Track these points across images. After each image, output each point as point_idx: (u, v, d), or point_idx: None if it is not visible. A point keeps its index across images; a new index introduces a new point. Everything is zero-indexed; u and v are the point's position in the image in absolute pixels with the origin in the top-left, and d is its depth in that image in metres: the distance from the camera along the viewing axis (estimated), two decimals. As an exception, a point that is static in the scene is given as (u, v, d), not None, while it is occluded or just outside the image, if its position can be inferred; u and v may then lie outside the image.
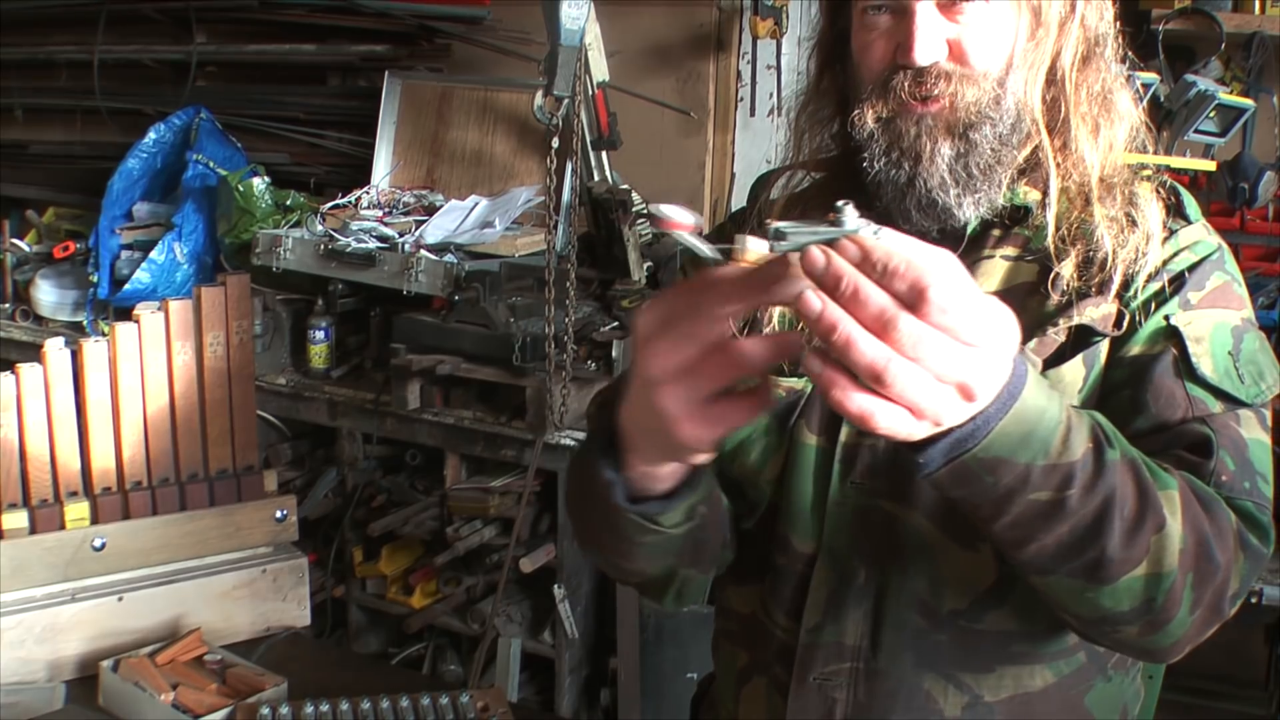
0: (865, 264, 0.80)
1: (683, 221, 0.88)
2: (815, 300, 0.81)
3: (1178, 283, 1.22)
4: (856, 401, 0.82)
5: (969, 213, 1.22)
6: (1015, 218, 1.27)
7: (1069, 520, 0.98)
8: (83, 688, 1.78)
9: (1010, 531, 0.99)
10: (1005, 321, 0.85)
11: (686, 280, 0.90)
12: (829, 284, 0.80)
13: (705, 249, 0.89)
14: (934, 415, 0.84)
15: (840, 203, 0.83)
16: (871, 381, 0.81)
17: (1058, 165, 1.24)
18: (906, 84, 1.19)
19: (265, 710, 1.64)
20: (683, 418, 0.92)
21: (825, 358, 0.82)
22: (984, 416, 0.89)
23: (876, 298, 0.80)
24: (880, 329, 0.80)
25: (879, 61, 1.22)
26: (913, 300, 0.79)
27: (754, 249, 0.84)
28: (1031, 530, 0.99)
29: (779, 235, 0.83)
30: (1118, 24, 1.28)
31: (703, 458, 1.00)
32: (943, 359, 0.81)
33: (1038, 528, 0.99)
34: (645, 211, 3.18)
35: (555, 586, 2.98)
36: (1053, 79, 1.24)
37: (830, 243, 0.81)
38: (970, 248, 1.25)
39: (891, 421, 0.83)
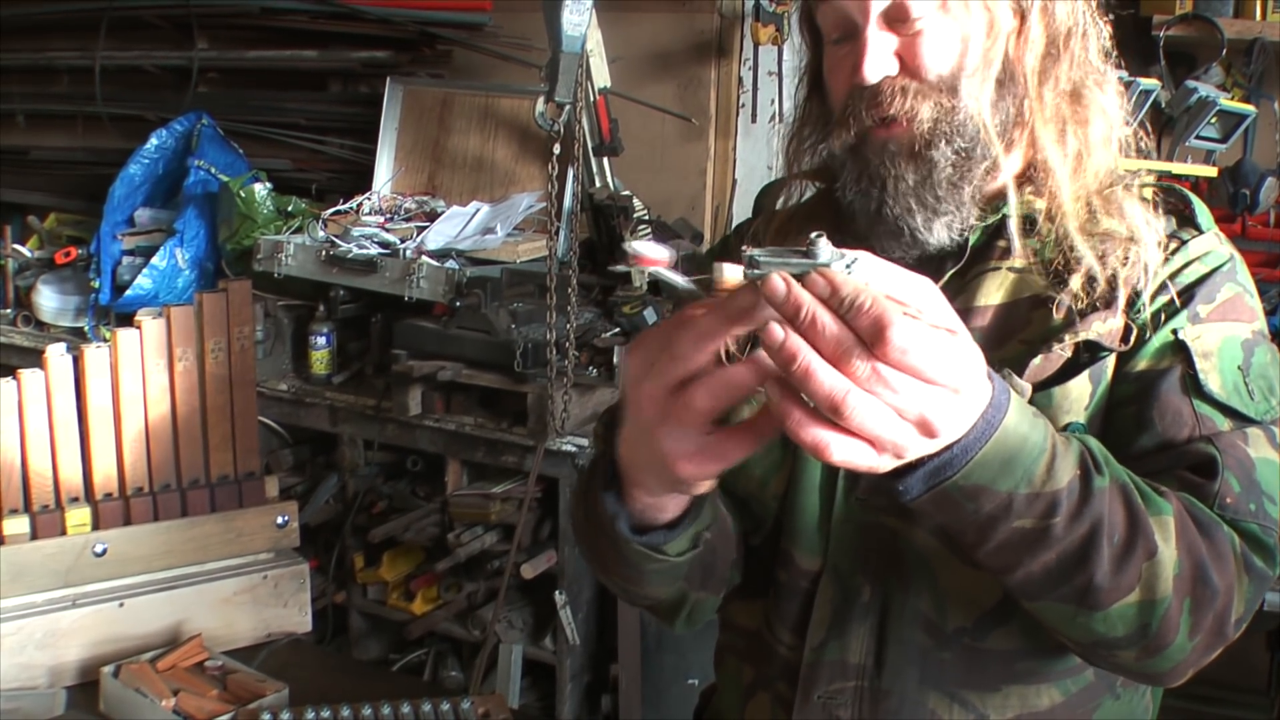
0: (832, 298, 0.80)
1: (656, 257, 0.88)
2: (779, 329, 0.81)
3: (1187, 295, 1.19)
4: (812, 433, 0.83)
5: (940, 235, 1.21)
6: (1024, 227, 1.24)
7: (1054, 548, 0.98)
8: (84, 693, 1.77)
9: (995, 558, 0.99)
10: (971, 360, 0.85)
11: (668, 317, 0.91)
12: (789, 313, 0.81)
13: (680, 281, 0.89)
14: (893, 449, 0.84)
15: (814, 234, 0.83)
16: (829, 412, 0.81)
17: (1044, 178, 1.23)
18: (863, 106, 1.19)
19: (266, 716, 1.63)
20: (681, 456, 0.92)
21: (785, 387, 0.83)
22: (961, 445, 0.89)
23: (834, 330, 0.80)
24: (837, 361, 0.81)
25: (841, 88, 1.23)
26: (873, 338, 0.80)
27: (730, 276, 0.85)
28: (1017, 557, 0.99)
29: (753, 263, 0.83)
30: (1101, 13, 1.25)
31: (705, 488, 1.01)
32: (900, 395, 0.82)
33: (1023, 554, 0.99)
34: (646, 218, 3.18)
35: (556, 593, 2.98)
36: (1014, 81, 1.21)
37: (802, 275, 0.81)
38: (974, 259, 1.24)
39: (847, 453, 0.83)
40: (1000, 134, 1.21)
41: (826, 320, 0.80)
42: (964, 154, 1.19)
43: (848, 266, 0.82)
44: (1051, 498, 0.96)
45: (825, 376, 0.81)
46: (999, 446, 0.90)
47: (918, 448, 0.85)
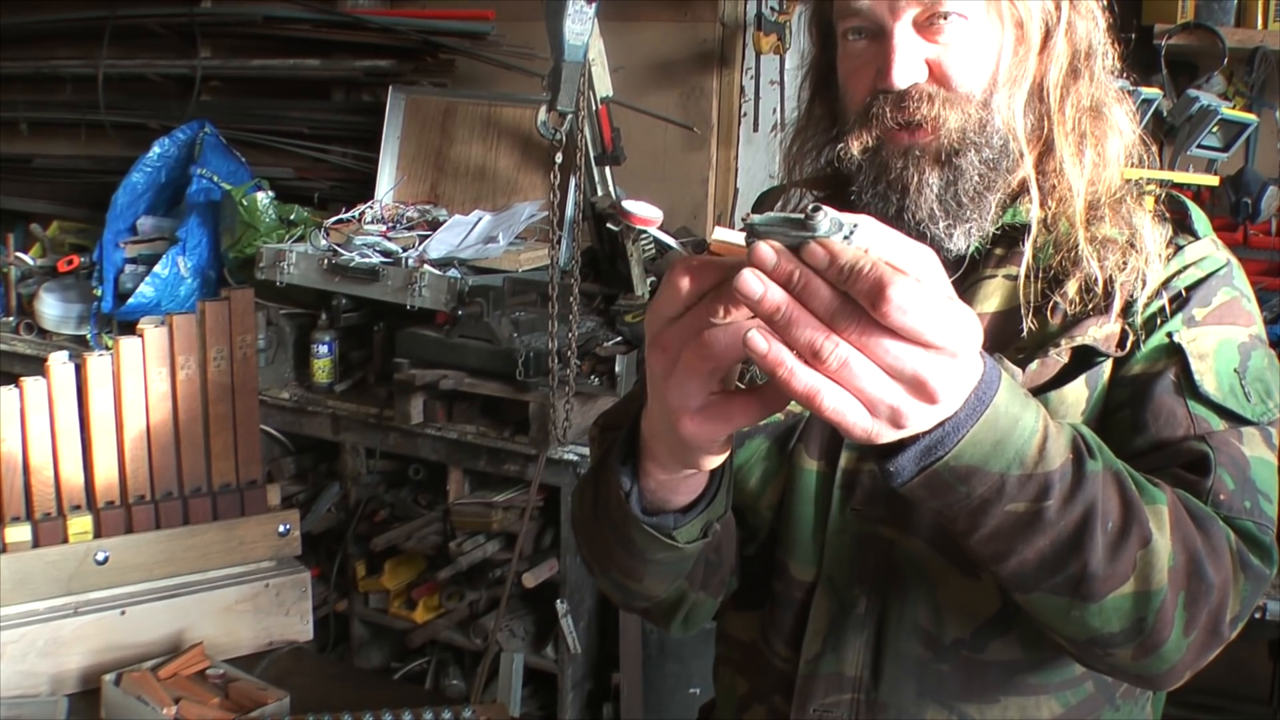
0: (831, 268, 0.79)
1: (647, 215, 0.88)
2: (756, 281, 0.80)
3: (1183, 299, 1.20)
4: (803, 379, 0.80)
5: (960, 243, 1.21)
6: (1020, 236, 1.24)
7: (1048, 533, 0.96)
8: (85, 701, 1.77)
9: (988, 545, 0.98)
10: (971, 326, 0.83)
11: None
12: (780, 279, 0.80)
13: (671, 241, 0.89)
14: (889, 412, 0.81)
15: (812, 206, 0.81)
16: (810, 358, 0.80)
17: (1052, 188, 1.22)
18: (888, 109, 1.18)
19: (267, 725, 1.64)
20: (683, 411, 0.91)
21: (773, 337, 0.81)
22: (953, 423, 0.87)
23: (825, 293, 0.79)
24: (829, 321, 0.79)
25: (862, 89, 1.21)
26: (873, 299, 0.78)
27: (722, 237, 0.84)
28: (1010, 544, 0.97)
29: (752, 230, 0.82)
30: (1111, 34, 1.26)
31: (711, 461, 0.99)
32: (894, 355, 0.80)
33: (1016, 541, 0.97)
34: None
35: (558, 601, 2.98)
36: (1039, 95, 1.22)
37: (800, 245, 0.80)
38: (972, 267, 1.24)
39: (839, 404, 0.81)
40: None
41: (817, 286, 0.79)
42: (991, 164, 1.19)
43: (847, 236, 0.80)
44: (1044, 480, 0.94)
45: (809, 324, 0.79)
46: (990, 425, 0.89)
47: (915, 413, 0.82)
